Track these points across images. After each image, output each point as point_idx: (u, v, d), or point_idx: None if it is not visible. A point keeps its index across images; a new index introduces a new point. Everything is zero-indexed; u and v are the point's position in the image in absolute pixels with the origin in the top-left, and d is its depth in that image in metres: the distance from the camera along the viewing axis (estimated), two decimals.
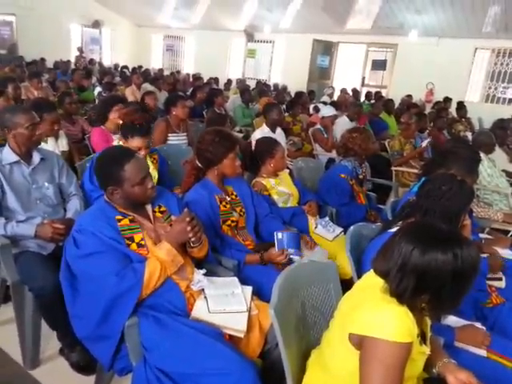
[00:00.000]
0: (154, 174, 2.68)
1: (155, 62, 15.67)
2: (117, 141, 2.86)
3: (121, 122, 2.88)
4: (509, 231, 3.09)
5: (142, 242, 1.64)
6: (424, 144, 4.49)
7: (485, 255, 2.13)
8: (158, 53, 16.00)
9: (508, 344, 1.72)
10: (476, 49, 9.90)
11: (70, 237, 1.62)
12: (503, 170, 4.06)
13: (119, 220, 1.65)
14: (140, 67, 12.29)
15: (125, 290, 1.53)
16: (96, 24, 14.31)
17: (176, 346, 1.47)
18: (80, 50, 13.62)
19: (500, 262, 2.18)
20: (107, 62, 14.33)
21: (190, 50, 15.05)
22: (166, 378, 1.44)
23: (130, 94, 6.74)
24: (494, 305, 1.97)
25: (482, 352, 1.64)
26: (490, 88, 9.97)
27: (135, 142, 2.54)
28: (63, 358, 2.05)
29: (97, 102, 6.30)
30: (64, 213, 2.20)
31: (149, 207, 1.78)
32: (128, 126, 2.60)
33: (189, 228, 1.63)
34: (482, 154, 3.39)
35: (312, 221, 2.76)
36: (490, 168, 3.68)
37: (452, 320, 1.73)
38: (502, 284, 2.14)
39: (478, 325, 1.75)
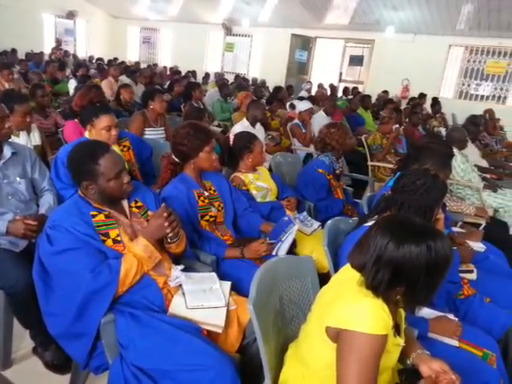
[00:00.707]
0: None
1: (131, 54, 15.39)
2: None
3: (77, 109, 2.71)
4: (480, 225, 3.18)
5: (118, 238, 1.62)
6: (394, 129, 4.56)
7: (456, 247, 2.18)
8: (135, 45, 15.71)
9: (478, 334, 1.78)
10: (450, 46, 10.12)
11: (43, 233, 1.58)
12: (475, 165, 4.17)
13: (94, 216, 1.61)
14: (116, 59, 12.04)
15: (100, 287, 1.50)
16: (70, 15, 13.91)
17: (153, 342, 1.46)
18: (58, 41, 13.23)
19: (471, 254, 2.25)
20: (82, 54, 13.97)
21: (168, 42, 14.84)
22: (144, 376, 1.43)
23: (107, 86, 6.58)
24: (466, 296, 2.03)
25: (454, 342, 1.69)
26: (463, 85, 10.21)
27: (103, 122, 2.39)
28: (37, 358, 2.00)
29: (71, 94, 6.14)
30: (37, 208, 2.13)
31: (125, 202, 1.75)
32: (88, 108, 2.45)
33: (166, 223, 1.61)
34: (455, 150, 3.47)
35: (290, 216, 2.77)
36: (463, 163, 3.78)
37: (426, 312, 1.78)
38: (473, 276, 2.21)
39: (451, 316, 1.80)
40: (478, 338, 1.75)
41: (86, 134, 2.54)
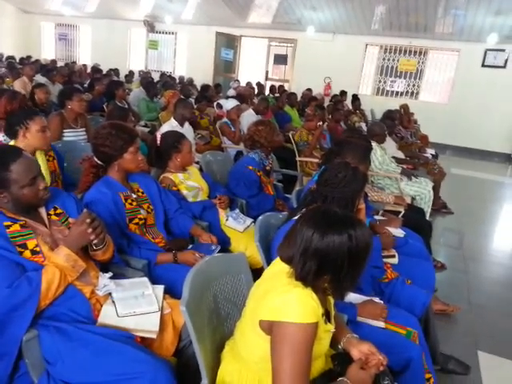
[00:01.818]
0: (47, 174, 2.47)
1: (47, 52, 14.40)
2: (3, 137, 2.58)
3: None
4: (400, 212, 3.41)
5: (37, 249, 1.51)
6: (318, 125, 4.76)
7: (378, 234, 2.32)
8: (50, 42, 14.70)
9: (402, 314, 1.91)
10: (367, 45, 10.72)
11: None
12: (393, 157, 4.47)
13: (8, 226, 1.49)
14: (29, 57, 11.20)
15: (19, 302, 1.39)
16: None
17: (82, 355, 1.38)
18: None
19: (392, 240, 2.41)
20: None
21: (86, 39, 14.08)
22: None
23: (20, 86, 6.10)
24: (390, 280, 2.17)
25: (381, 324, 1.80)
26: (380, 82, 10.87)
27: (38, 123, 2.35)
28: None
29: None
30: None
31: (42, 210, 1.63)
32: (18, 113, 2.37)
33: (90, 230, 1.53)
34: (374, 144, 3.70)
35: (223, 214, 2.78)
36: (382, 156, 4.03)
37: (354, 297, 1.87)
38: (395, 260, 2.37)
39: (377, 299, 1.91)
40: (402, 317, 1.88)
41: (12, 142, 2.40)
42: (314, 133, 4.73)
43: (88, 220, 1.53)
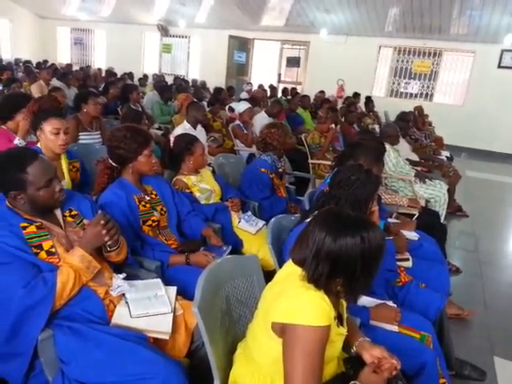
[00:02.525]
0: (69, 180, 2.50)
1: (62, 56, 14.62)
2: (19, 141, 2.63)
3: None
4: (414, 215, 3.37)
5: (52, 250, 1.53)
6: (330, 128, 4.73)
7: (391, 237, 2.30)
8: (66, 46, 14.94)
9: (415, 318, 1.89)
10: (380, 47, 10.64)
11: None
12: (407, 159, 4.43)
13: (24, 227, 1.52)
14: (46, 62, 11.39)
15: (35, 302, 1.42)
16: None
17: (95, 355, 1.40)
18: None
19: (405, 243, 2.38)
20: (6, 57, 13.06)
21: (101, 43, 14.26)
22: None
23: (37, 90, 6.21)
24: (403, 283, 2.15)
25: (394, 328, 1.78)
26: (393, 83, 10.78)
27: (50, 124, 2.34)
28: None
29: None
30: None
31: (58, 212, 1.66)
32: (38, 114, 2.41)
33: (104, 231, 1.55)
34: (387, 145, 3.67)
35: (235, 216, 2.79)
36: (395, 158, 3.99)
37: (367, 300, 1.86)
38: (409, 264, 2.34)
39: (390, 303, 1.89)
40: (416, 321, 1.86)
41: (18, 141, 2.43)
42: (327, 135, 4.71)
43: (102, 221, 1.55)
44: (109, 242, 1.61)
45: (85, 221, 1.70)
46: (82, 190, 2.51)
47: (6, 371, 1.49)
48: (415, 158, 5.02)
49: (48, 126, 2.35)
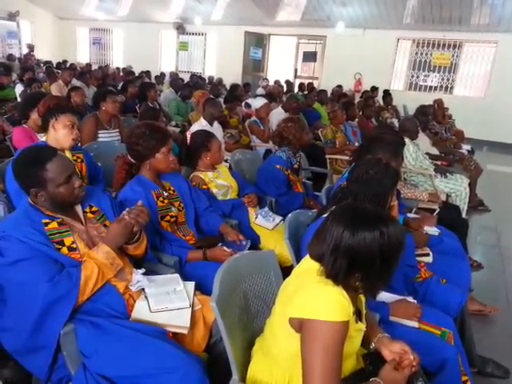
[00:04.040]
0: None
1: (81, 56, 14.86)
2: (43, 138, 2.67)
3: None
4: (434, 210, 3.31)
5: (74, 246, 1.56)
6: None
7: (412, 232, 2.27)
8: (85, 46, 15.17)
9: (436, 313, 1.86)
10: (398, 39, 10.46)
11: None
12: (427, 153, 4.35)
13: (46, 224, 1.55)
14: (65, 62, 11.59)
15: (59, 296, 1.45)
16: (12, 16, 13.22)
17: (116, 349, 1.42)
18: (30, 47, 12.49)
19: (425, 238, 2.34)
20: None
21: (119, 43, 14.44)
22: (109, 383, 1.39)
23: (57, 90, 6.33)
24: (423, 279, 2.11)
25: (414, 324, 1.76)
26: (412, 76, 10.59)
27: (64, 119, 2.34)
28: None
29: (19, 99, 5.85)
30: None
31: (79, 208, 1.69)
32: (53, 108, 2.40)
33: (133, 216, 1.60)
34: (406, 139, 3.60)
35: (252, 212, 2.79)
36: (415, 152, 3.92)
37: (386, 296, 1.84)
38: (429, 259, 2.30)
39: (410, 299, 1.87)
40: (436, 317, 1.83)
41: (44, 138, 2.45)
42: (343, 134, 4.67)
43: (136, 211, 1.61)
44: (136, 228, 1.63)
45: (107, 222, 1.73)
46: (94, 185, 2.53)
47: (31, 364, 1.53)
48: (435, 151, 4.92)
49: (64, 120, 2.35)
